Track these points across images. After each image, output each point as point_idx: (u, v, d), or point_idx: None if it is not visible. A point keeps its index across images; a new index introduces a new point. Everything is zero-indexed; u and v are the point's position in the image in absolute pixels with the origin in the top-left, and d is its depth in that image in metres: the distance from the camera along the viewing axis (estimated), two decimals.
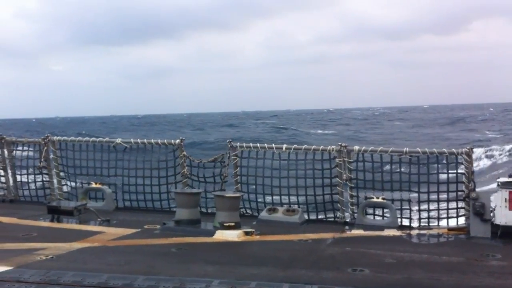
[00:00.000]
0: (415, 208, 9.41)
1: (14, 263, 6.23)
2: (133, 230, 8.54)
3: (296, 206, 9.64)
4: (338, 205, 9.56)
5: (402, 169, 9.67)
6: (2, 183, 11.61)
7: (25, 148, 11.67)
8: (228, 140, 10.25)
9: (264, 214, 9.39)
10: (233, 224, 8.25)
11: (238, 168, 10.06)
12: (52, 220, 9.24)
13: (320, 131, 73.40)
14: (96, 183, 10.64)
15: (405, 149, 9.33)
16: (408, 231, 8.82)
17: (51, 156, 11.16)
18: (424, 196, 9.34)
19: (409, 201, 9.37)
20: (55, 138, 11.20)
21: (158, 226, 8.69)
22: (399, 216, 9.27)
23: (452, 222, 9.16)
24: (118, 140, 10.81)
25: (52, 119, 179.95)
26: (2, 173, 11.53)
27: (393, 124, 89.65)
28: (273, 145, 10.07)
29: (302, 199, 9.88)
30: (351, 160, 9.44)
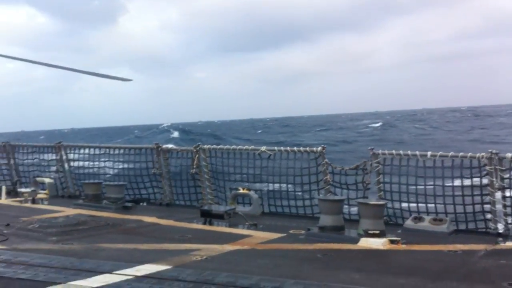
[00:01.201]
0: None
1: (172, 263, 6.75)
2: (279, 235, 8.83)
3: (443, 215, 9.31)
4: (490, 215, 9.07)
5: None
6: (160, 188, 12.63)
7: (179, 155, 12.59)
8: (369, 148, 10.21)
9: (409, 223, 9.18)
10: (378, 232, 8.20)
11: (381, 176, 9.98)
12: (204, 223, 9.86)
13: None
14: (243, 189, 11.16)
15: None
16: None
17: (202, 163, 11.92)
18: None
19: None
20: (205, 146, 11.95)
21: (302, 232, 8.91)
22: None
23: None
24: (263, 148, 11.24)
25: (195, 123, 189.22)
26: (160, 179, 12.54)
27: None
28: (417, 152, 9.81)
29: (449, 208, 9.51)
30: (504, 168, 8.91)
